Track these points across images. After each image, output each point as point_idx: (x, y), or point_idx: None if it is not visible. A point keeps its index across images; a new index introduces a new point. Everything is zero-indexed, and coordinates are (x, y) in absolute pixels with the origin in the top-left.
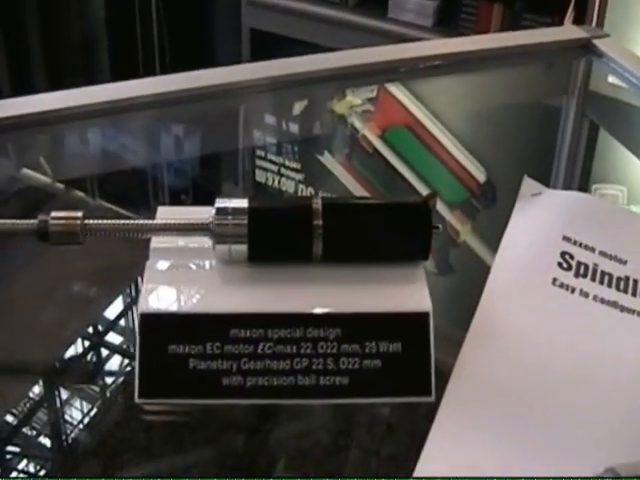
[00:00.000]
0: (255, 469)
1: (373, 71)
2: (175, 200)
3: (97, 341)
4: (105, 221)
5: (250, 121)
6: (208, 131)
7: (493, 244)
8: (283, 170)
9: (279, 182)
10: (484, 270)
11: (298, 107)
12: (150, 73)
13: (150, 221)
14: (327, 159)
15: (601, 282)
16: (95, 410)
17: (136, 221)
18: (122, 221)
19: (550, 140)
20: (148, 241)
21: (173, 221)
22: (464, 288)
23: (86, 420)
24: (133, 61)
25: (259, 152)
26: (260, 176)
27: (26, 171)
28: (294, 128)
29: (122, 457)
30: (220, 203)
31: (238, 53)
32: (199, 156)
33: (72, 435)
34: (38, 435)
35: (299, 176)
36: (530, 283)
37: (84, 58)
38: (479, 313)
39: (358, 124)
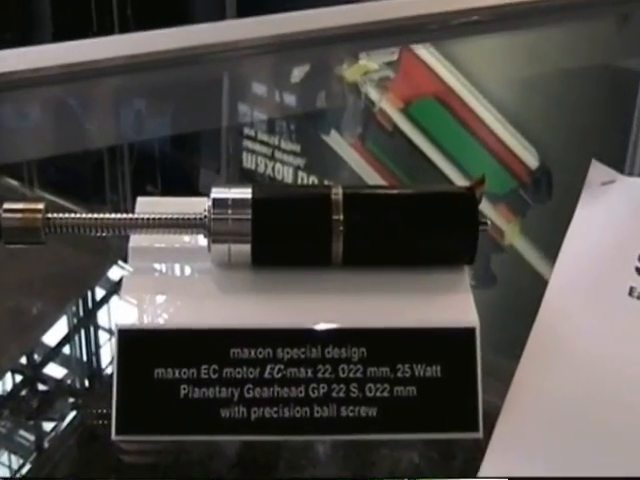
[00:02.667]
0: None
1: (394, 29)
2: (138, 192)
3: (69, 365)
4: (73, 215)
5: (236, 92)
6: (182, 105)
7: (547, 247)
8: (278, 154)
9: (273, 169)
10: (534, 280)
11: (298, 74)
12: (106, 30)
13: (131, 215)
14: (334, 139)
15: None
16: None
17: (113, 215)
18: (95, 215)
19: (623, 114)
20: (123, 241)
21: (159, 215)
22: (509, 303)
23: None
24: (83, 14)
25: (247, 131)
26: (249, 162)
27: None
28: (292, 100)
29: None
30: (217, 193)
31: (221, 6)
32: (170, 136)
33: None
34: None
35: (298, 161)
36: (601, 294)
37: (19, 8)
38: (536, 331)
39: (374, 95)
